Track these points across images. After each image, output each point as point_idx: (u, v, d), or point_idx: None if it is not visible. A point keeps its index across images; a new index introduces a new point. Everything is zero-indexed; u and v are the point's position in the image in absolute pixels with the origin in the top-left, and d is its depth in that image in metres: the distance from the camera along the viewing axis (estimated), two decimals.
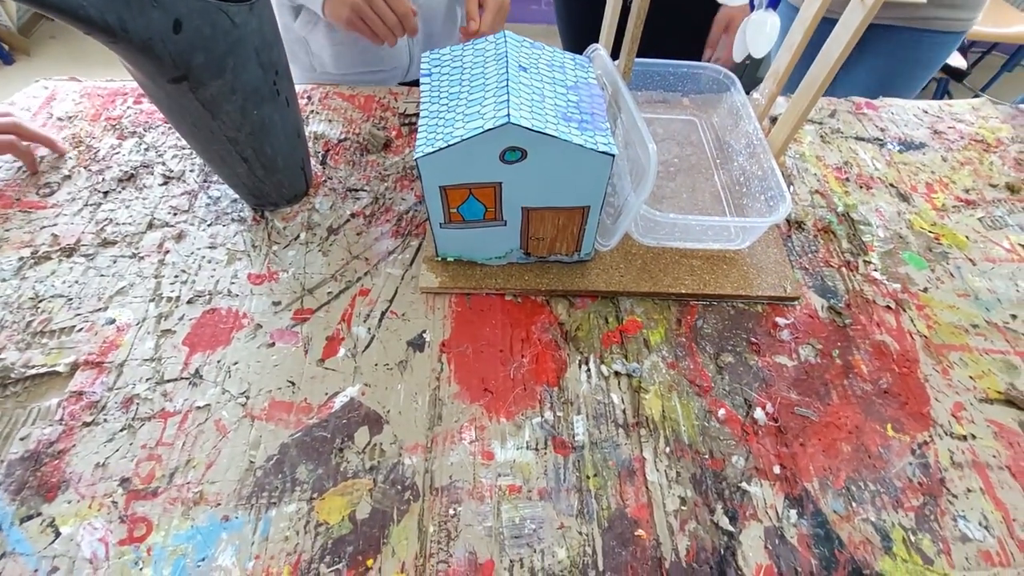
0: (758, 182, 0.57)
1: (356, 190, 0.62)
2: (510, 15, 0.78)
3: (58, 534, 0.39)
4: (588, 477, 0.43)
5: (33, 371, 0.47)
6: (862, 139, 0.73)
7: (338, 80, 0.81)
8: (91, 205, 0.59)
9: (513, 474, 0.43)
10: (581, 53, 0.54)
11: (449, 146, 0.41)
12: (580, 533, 0.41)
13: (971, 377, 0.51)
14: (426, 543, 0.40)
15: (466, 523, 0.41)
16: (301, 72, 0.83)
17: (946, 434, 0.47)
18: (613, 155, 0.43)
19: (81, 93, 0.71)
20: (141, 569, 0.38)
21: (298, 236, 0.57)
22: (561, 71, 0.49)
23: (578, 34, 1.07)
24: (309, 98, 0.72)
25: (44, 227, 0.56)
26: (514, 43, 0.48)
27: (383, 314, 0.52)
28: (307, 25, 0.76)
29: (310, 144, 0.66)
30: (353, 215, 0.60)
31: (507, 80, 0.43)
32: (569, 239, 0.52)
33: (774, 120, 0.60)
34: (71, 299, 0.51)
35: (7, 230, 0.56)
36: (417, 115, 0.71)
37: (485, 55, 0.47)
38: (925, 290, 0.57)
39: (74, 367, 0.47)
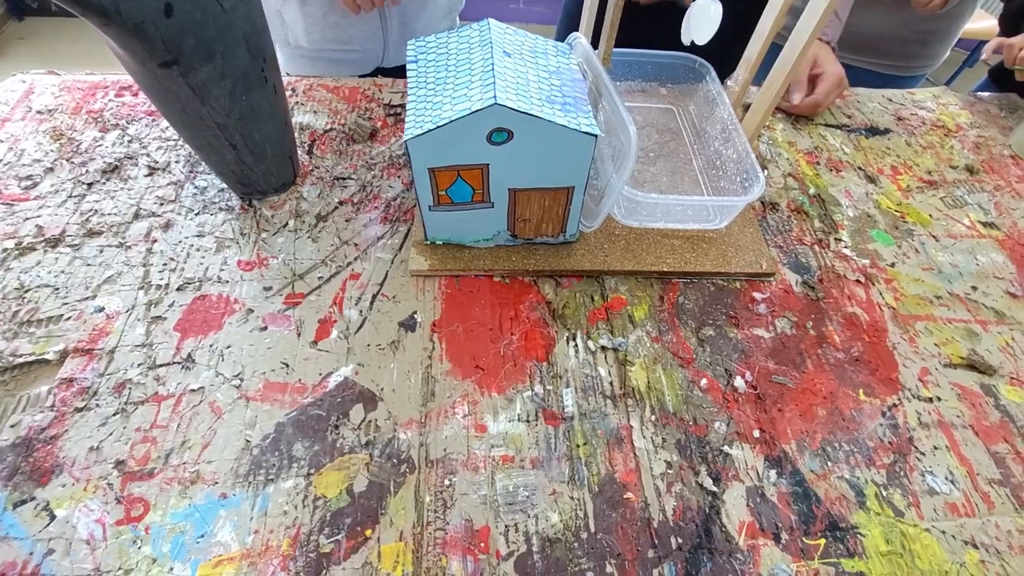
0: (733, 165, 0.59)
1: (343, 179, 0.63)
2: (489, 14, 0.79)
3: (53, 517, 0.40)
4: (578, 446, 0.45)
5: (21, 359, 0.47)
6: (831, 125, 0.77)
7: (311, 56, 0.82)
8: (75, 196, 0.58)
9: (506, 445, 0.45)
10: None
11: (438, 127, 0.43)
12: (572, 498, 0.42)
13: (936, 344, 0.54)
14: (423, 512, 0.41)
15: (461, 492, 0.42)
16: (276, 46, 0.83)
17: (914, 397, 0.50)
18: (596, 135, 0.45)
19: (60, 87, 0.70)
20: (140, 547, 0.39)
21: (287, 224, 0.58)
22: (544, 57, 0.50)
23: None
24: (293, 90, 0.73)
25: (27, 219, 0.56)
26: (498, 30, 0.49)
27: (374, 297, 0.53)
28: None
29: (296, 135, 0.66)
30: (341, 203, 0.60)
31: (492, 64, 0.45)
32: (555, 220, 0.53)
33: (747, 108, 0.62)
34: (58, 288, 0.51)
35: None
36: (402, 106, 0.72)
37: (470, 41, 0.49)
38: (892, 265, 0.60)
39: (64, 355, 0.47)
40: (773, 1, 0.56)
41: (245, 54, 0.45)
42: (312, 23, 0.78)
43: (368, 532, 0.40)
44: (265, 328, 0.50)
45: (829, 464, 0.45)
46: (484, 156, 0.46)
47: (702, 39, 0.52)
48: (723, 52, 0.68)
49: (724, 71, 0.67)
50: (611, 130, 0.52)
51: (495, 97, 0.42)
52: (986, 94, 0.86)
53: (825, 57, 0.76)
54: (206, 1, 0.39)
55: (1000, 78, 0.99)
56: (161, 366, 0.47)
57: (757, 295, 0.56)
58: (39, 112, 0.67)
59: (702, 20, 0.51)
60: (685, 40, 0.57)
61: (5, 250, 0.53)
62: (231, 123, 0.48)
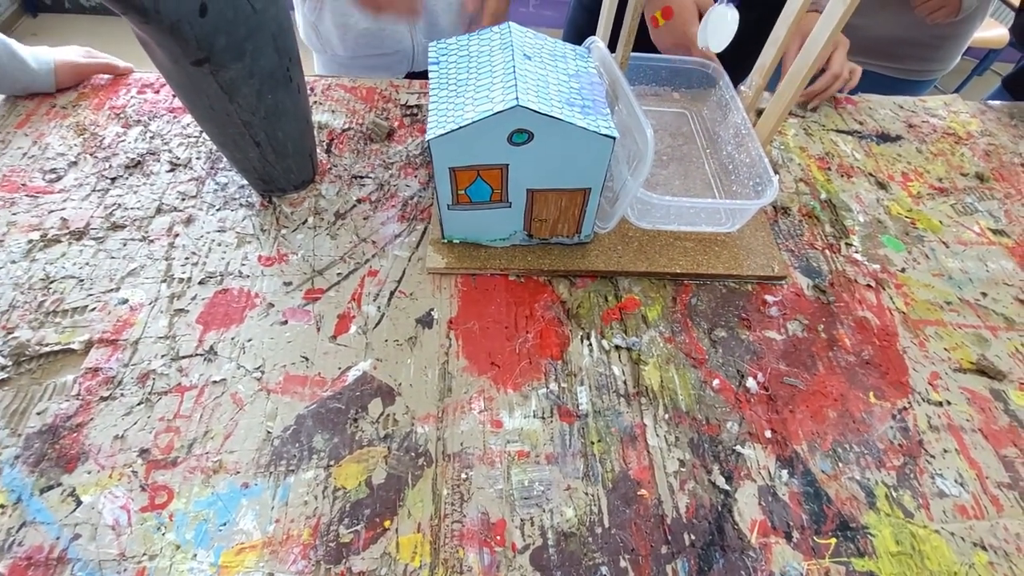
0: (746, 169, 0.60)
1: (361, 177, 0.64)
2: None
3: (79, 503, 0.40)
4: (592, 443, 0.46)
5: (47, 348, 0.48)
6: (842, 131, 0.77)
7: (347, 64, 0.87)
8: (99, 190, 0.60)
9: (521, 441, 0.45)
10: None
11: (461, 128, 0.44)
12: (586, 494, 0.43)
13: (946, 349, 0.54)
14: (440, 505, 0.42)
15: (478, 486, 0.43)
16: (315, 56, 0.90)
17: (923, 400, 0.51)
18: (614, 138, 0.46)
19: (83, 83, 0.71)
20: (164, 534, 0.40)
21: (306, 220, 0.59)
22: (563, 60, 0.51)
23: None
24: (312, 89, 0.74)
25: (52, 211, 0.57)
26: (518, 33, 0.50)
27: (392, 293, 0.54)
28: (314, 11, 0.81)
29: (315, 133, 0.67)
30: (359, 201, 0.61)
31: (514, 67, 0.46)
32: (570, 221, 0.54)
33: (759, 113, 0.63)
34: (82, 280, 0.52)
35: (14, 214, 0.57)
36: (419, 107, 0.73)
37: (491, 44, 0.50)
38: (903, 270, 0.61)
39: (89, 345, 0.48)
40: (787, 8, 0.57)
41: (273, 54, 0.46)
42: (345, 32, 0.83)
43: (387, 523, 0.41)
44: (285, 322, 0.51)
45: (840, 465, 0.46)
46: (504, 156, 0.47)
47: (718, 46, 0.53)
48: (736, 58, 0.69)
49: (736, 77, 0.68)
50: (626, 133, 0.53)
51: (517, 99, 0.43)
52: (997, 102, 0.87)
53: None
54: (239, 2, 0.40)
55: (1014, 87, 0.99)
56: (184, 358, 0.48)
57: (769, 298, 0.57)
58: (63, 107, 0.68)
59: (719, 26, 0.52)
60: (701, 46, 0.57)
61: (31, 241, 0.55)
62: (256, 121, 0.49)
